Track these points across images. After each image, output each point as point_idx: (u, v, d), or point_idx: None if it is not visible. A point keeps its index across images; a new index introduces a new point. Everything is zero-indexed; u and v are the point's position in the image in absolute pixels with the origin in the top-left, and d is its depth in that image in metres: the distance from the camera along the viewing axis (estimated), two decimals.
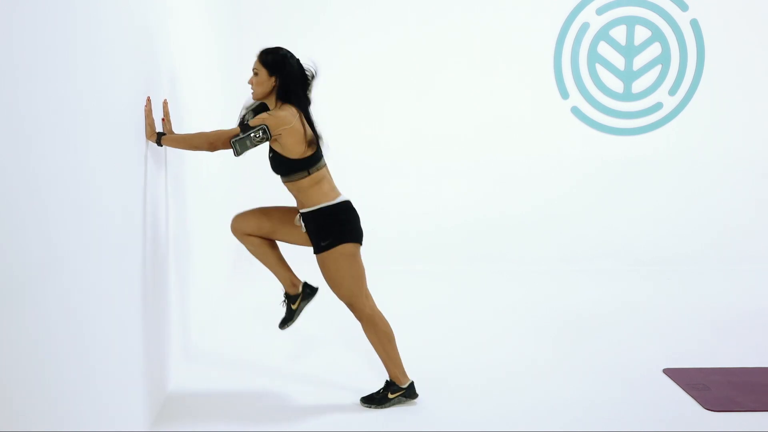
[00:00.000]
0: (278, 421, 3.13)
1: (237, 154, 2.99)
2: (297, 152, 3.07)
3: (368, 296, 3.26)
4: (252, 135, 2.96)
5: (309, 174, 3.12)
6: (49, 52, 1.91)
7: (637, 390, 3.45)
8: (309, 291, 3.40)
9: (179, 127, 3.37)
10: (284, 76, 3.07)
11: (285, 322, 3.43)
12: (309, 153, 3.10)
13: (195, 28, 4.06)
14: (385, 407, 3.26)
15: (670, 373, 3.61)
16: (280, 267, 3.37)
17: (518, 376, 3.62)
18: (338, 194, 3.21)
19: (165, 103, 3.16)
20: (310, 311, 3.57)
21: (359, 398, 3.31)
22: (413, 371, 3.44)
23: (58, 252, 1.97)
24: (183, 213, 3.69)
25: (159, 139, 2.97)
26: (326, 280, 3.22)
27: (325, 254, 3.15)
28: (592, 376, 3.61)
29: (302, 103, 3.11)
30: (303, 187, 3.13)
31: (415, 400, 3.31)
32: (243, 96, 3.33)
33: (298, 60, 3.14)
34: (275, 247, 3.37)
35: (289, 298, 3.40)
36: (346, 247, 3.15)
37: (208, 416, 3.17)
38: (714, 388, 3.45)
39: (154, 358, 3.05)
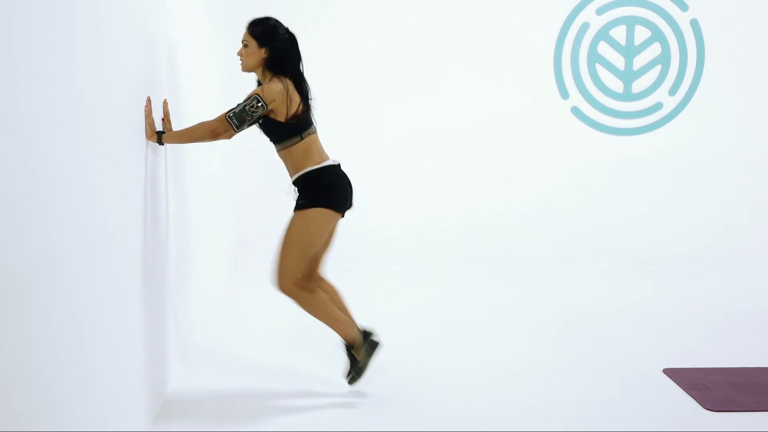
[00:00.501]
0: (278, 421, 3.13)
1: (236, 128, 3.01)
2: (289, 117, 3.10)
3: (296, 272, 3.17)
4: (247, 107, 2.99)
5: (302, 138, 3.14)
6: (49, 51, 1.91)
7: (637, 390, 3.45)
8: (368, 338, 3.31)
9: (179, 128, 3.37)
10: (274, 47, 3.10)
11: (356, 377, 3.33)
12: (300, 118, 3.12)
13: (195, 28, 4.06)
14: (363, 372, 3.29)
15: (670, 373, 3.61)
16: (340, 319, 3.28)
17: (518, 375, 3.61)
18: (326, 158, 3.21)
19: (165, 103, 3.16)
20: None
21: (347, 386, 3.34)
22: (413, 371, 3.44)
23: (58, 252, 1.97)
24: (183, 213, 3.69)
25: (159, 138, 2.97)
26: (282, 238, 3.20)
27: (298, 212, 3.16)
28: (592, 376, 3.61)
29: (294, 72, 3.12)
30: (296, 153, 3.15)
31: (380, 346, 3.34)
32: (243, 95, 3.33)
33: (287, 29, 3.17)
34: (330, 301, 3.30)
35: (351, 349, 3.30)
36: (319, 211, 3.14)
37: (208, 416, 3.17)
38: (714, 388, 3.45)
39: (154, 358, 3.05)
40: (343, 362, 3.50)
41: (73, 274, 2.08)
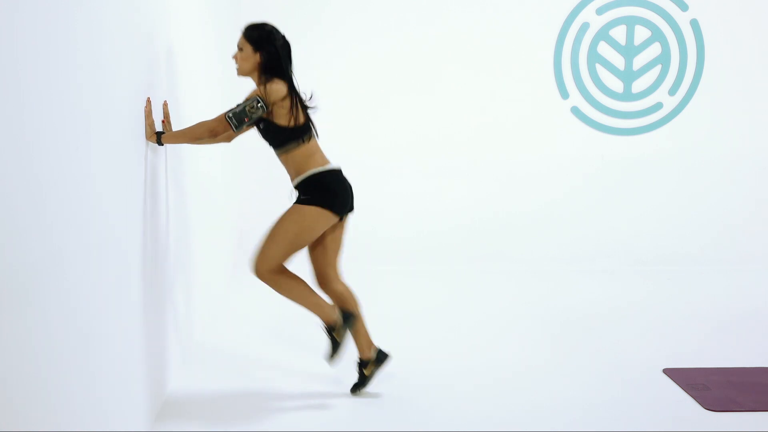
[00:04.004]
0: (278, 421, 3.14)
1: (235, 129, 3.02)
2: (289, 121, 3.10)
3: (277, 261, 3.18)
4: (247, 107, 3.00)
5: (303, 142, 3.15)
6: (50, 52, 1.91)
7: (637, 390, 3.45)
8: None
9: (179, 129, 3.37)
10: (269, 52, 3.11)
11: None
12: (300, 122, 3.13)
13: (195, 30, 4.06)
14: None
15: (671, 373, 3.62)
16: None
17: (518, 376, 3.62)
18: (328, 162, 3.24)
19: (165, 105, 3.16)
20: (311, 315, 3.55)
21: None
22: (413, 371, 3.44)
23: (59, 252, 1.97)
24: (183, 213, 3.70)
25: (159, 138, 2.98)
26: (272, 225, 3.20)
27: (295, 206, 3.18)
28: (593, 375, 3.62)
29: (288, 76, 3.14)
30: (297, 157, 3.16)
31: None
32: (243, 96, 3.33)
33: (282, 35, 3.18)
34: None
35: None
36: (316, 209, 3.15)
37: (208, 416, 3.17)
38: (714, 388, 3.45)
39: (154, 359, 3.05)
40: (339, 362, 3.51)
41: (74, 274, 2.09)
